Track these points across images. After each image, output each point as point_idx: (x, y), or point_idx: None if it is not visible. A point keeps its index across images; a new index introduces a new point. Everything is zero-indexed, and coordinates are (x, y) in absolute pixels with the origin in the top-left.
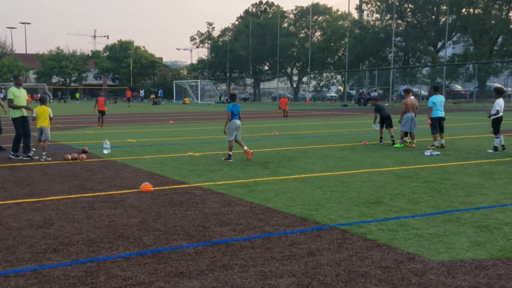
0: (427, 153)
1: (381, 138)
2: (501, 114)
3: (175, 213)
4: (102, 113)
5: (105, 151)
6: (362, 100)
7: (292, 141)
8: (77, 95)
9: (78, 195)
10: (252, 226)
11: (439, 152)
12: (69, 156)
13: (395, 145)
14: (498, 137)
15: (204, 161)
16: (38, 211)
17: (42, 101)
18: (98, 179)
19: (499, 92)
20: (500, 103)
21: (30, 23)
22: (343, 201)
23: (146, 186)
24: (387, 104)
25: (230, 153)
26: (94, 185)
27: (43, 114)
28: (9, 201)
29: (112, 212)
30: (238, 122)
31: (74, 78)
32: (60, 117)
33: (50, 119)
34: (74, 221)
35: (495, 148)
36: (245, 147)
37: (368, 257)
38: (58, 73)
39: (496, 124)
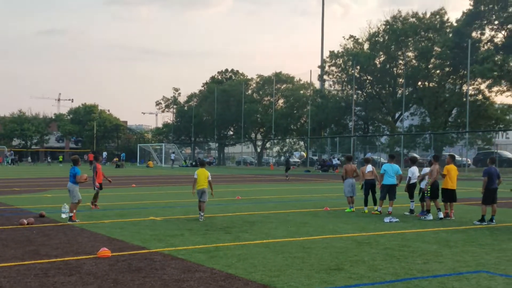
0: (387, 219)
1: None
2: (414, 180)
3: (133, 280)
4: (100, 187)
5: (63, 215)
6: (323, 166)
7: (255, 205)
8: (61, 157)
9: (32, 262)
10: None
11: (398, 219)
12: (25, 221)
13: (346, 210)
14: (413, 201)
15: (165, 225)
16: None
17: (202, 164)
18: (54, 245)
19: (413, 161)
20: (413, 170)
21: None
22: (304, 268)
23: (104, 251)
24: None
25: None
26: (50, 250)
27: (203, 177)
28: None
29: (67, 279)
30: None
31: (35, 140)
32: (17, 180)
33: (209, 182)
34: None
35: (411, 211)
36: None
37: None
38: (19, 136)
39: (411, 189)
